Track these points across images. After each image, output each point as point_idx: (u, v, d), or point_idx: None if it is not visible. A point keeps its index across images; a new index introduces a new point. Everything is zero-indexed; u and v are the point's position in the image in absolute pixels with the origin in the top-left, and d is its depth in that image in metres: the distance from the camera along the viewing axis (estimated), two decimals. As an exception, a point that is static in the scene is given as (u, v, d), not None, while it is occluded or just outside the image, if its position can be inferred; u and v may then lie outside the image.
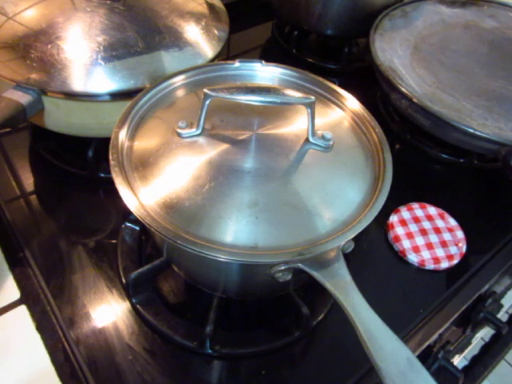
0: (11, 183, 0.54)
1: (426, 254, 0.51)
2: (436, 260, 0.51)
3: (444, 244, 0.52)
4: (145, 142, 0.39)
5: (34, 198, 0.54)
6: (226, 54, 0.77)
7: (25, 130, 0.60)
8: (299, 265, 0.33)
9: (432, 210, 0.55)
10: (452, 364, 0.51)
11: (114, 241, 0.50)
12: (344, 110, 0.45)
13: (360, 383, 0.42)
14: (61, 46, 0.48)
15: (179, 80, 0.45)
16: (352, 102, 0.45)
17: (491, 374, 0.53)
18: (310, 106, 0.37)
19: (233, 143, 0.38)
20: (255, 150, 0.38)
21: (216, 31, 0.56)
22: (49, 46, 0.47)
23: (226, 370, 0.42)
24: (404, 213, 0.55)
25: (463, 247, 0.52)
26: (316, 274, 0.33)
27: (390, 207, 0.55)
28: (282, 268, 0.33)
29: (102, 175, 0.55)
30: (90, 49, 0.48)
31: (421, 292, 0.49)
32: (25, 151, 0.58)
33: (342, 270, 0.33)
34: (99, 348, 0.42)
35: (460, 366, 0.52)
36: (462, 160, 0.62)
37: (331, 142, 0.39)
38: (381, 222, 0.55)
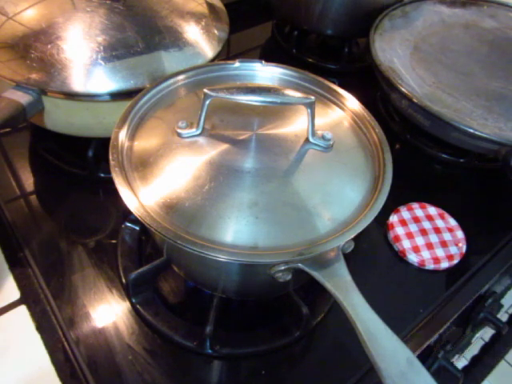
0: (11, 183, 0.54)
1: (426, 254, 0.51)
2: (436, 260, 0.51)
3: (444, 244, 0.52)
4: (145, 142, 0.39)
5: (33, 197, 0.54)
6: (226, 54, 0.77)
7: (25, 129, 0.60)
8: (299, 265, 0.33)
9: (432, 210, 0.55)
10: (452, 364, 0.51)
11: (114, 241, 0.50)
12: (344, 110, 0.45)
13: (360, 383, 0.42)
14: (61, 46, 0.48)
15: (179, 80, 0.45)
16: (352, 102, 0.45)
17: (491, 374, 0.53)
18: (310, 106, 0.37)
19: (233, 143, 0.38)
20: (255, 150, 0.38)
21: (216, 31, 0.57)
22: (49, 46, 0.47)
23: (225, 369, 0.42)
24: (404, 213, 0.55)
25: (463, 247, 0.52)
26: (316, 274, 0.33)
27: (390, 207, 0.55)
28: (282, 268, 0.33)
29: (102, 175, 0.56)
30: (90, 49, 0.48)
31: (421, 292, 0.49)
32: (25, 151, 0.58)
33: (341, 270, 0.33)
34: (99, 348, 0.42)
35: (460, 366, 0.52)
36: (462, 160, 0.62)
37: (331, 142, 0.39)
38: (381, 222, 0.55)
